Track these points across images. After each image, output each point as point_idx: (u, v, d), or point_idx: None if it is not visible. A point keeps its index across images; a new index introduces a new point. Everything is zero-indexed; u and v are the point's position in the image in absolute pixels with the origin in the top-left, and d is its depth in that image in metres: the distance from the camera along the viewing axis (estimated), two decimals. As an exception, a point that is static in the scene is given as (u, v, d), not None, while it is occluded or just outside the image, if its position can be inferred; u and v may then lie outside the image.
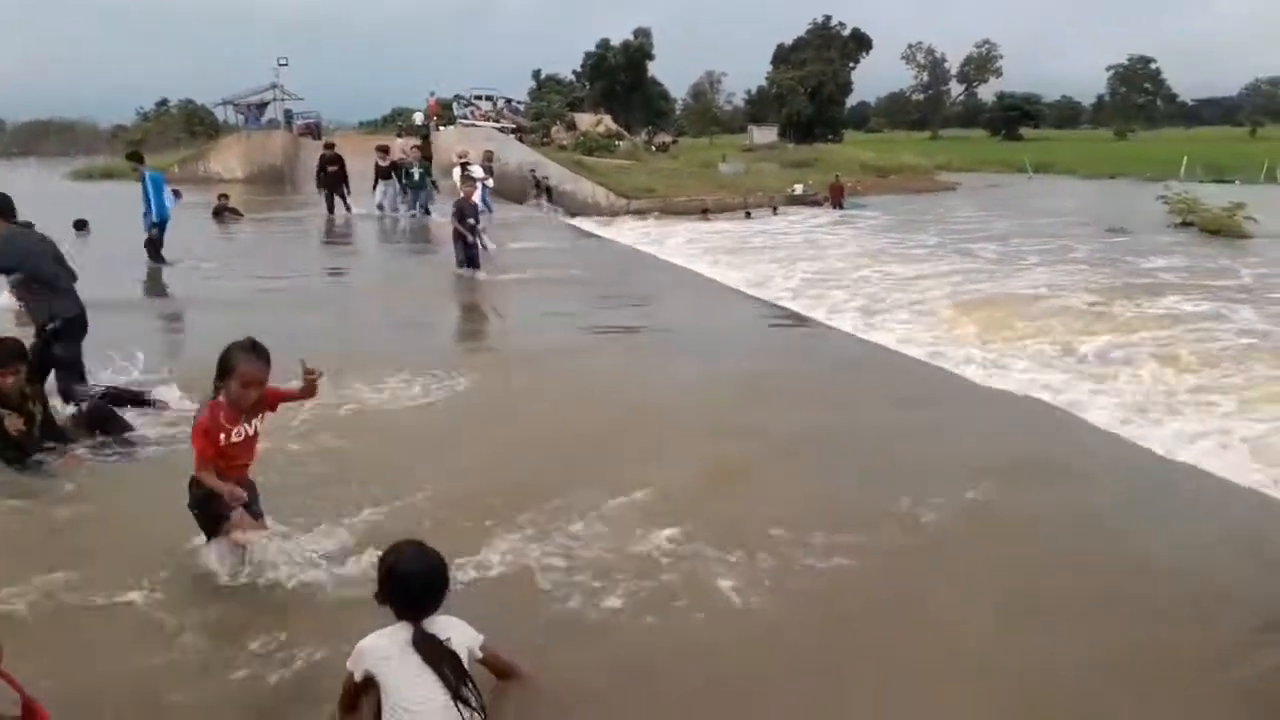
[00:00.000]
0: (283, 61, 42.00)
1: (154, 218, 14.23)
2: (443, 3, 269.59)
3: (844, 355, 9.66)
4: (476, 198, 19.17)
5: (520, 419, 6.87)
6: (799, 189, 34.55)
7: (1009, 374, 9.47)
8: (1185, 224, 24.74)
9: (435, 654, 2.86)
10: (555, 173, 30.55)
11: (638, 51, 76.51)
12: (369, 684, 2.91)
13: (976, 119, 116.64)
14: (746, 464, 5.84)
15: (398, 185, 22.24)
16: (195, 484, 4.09)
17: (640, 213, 29.11)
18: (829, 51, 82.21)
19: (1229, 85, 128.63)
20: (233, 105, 45.17)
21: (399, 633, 2.93)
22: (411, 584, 2.97)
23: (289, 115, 45.18)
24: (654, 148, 46.03)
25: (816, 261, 19.22)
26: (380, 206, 22.05)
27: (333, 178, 21.93)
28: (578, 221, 26.11)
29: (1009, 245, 21.25)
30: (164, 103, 73.28)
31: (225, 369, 3.98)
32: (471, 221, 14.15)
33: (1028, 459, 6.06)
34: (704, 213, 29.33)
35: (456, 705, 2.79)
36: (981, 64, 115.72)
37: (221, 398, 4.01)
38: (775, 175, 39.53)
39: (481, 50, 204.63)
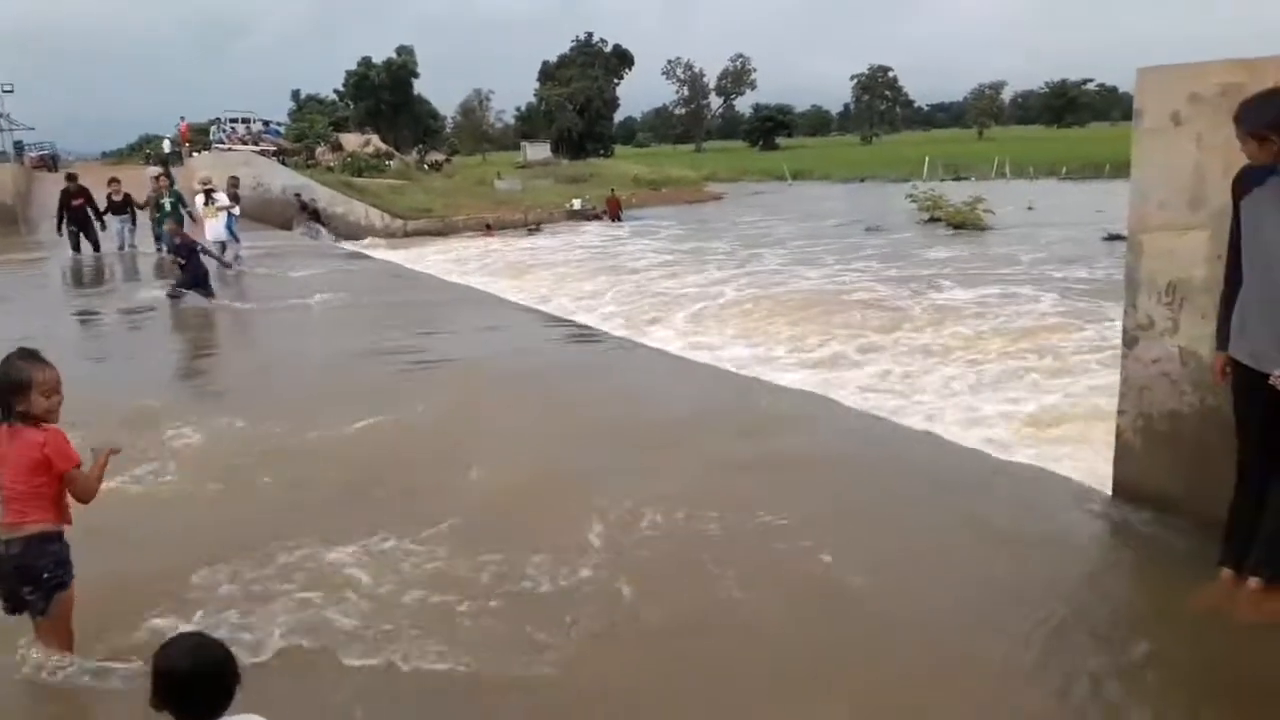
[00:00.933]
0: (7, 88, 38.40)
1: None
2: (192, 24, 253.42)
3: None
4: (221, 226, 18.51)
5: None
6: (577, 204, 35.14)
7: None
8: (933, 219, 27.14)
9: None
10: (324, 195, 29.51)
11: (401, 69, 75.22)
12: None
13: (736, 130, 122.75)
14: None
15: (133, 221, 20.65)
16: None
17: (418, 233, 28.65)
18: (593, 69, 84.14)
19: (957, 91, 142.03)
20: (-57, 136, 40.68)
21: None
22: (190, 681, 2.55)
23: (19, 146, 41.36)
24: (427, 166, 45.37)
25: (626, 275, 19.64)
26: (120, 245, 20.31)
27: (77, 213, 20.08)
28: (351, 245, 25.33)
29: (795, 247, 22.71)
30: None
31: (17, 386, 3.37)
32: (181, 249, 13.62)
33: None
34: (487, 228, 29.28)
35: None
36: (737, 77, 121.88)
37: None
38: (552, 190, 40.04)
39: (236, 72, 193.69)
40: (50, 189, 24.12)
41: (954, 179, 45.53)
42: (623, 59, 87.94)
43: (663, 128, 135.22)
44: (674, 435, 6.45)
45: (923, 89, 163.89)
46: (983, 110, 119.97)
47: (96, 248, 20.14)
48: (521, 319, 12.89)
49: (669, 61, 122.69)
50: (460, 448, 6.26)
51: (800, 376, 9.42)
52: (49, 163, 41.77)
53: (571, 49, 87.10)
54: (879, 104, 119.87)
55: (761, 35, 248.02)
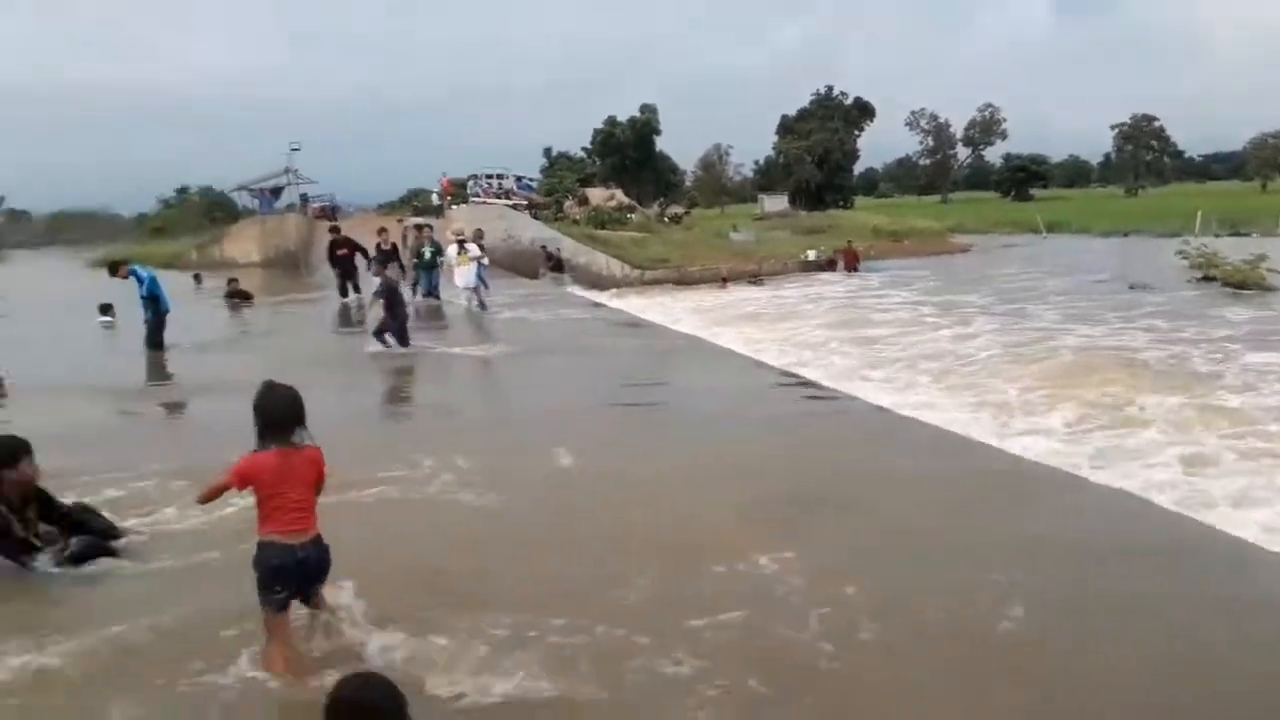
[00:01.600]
0: (296, 147, 42.75)
1: (161, 307, 14.41)
2: (455, 87, 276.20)
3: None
4: (472, 273, 19.61)
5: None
6: (812, 255, 34.50)
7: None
8: (1206, 278, 24.38)
9: None
10: (569, 246, 30.68)
11: (645, 126, 77.75)
12: None
13: (984, 181, 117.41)
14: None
15: (400, 268, 21.70)
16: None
17: (655, 283, 29.09)
18: (833, 121, 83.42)
19: (1233, 139, 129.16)
20: (248, 190, 45.83)
21: None
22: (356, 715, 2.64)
23: (304, 198, 45.82)
24: (667, 219, 46.32)
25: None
26: None
27: (343, 261, 21.47)
28: (591, 294, 26.09)
29: (1065, 305, 20.52)
30: (184, 189, 74.66)
31: (302, 411, 4.19)
32: (385, 291, 14.19)
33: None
34: (723, 281, 29.30)
35: None
36: (986, 127, 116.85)
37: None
38: (788, 242, 39.61)
39: (494, 130, 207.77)
40: (329, 237, 26.57)
41: (1231, 234, 40.94)
42: (864, 111, 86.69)
43: (905, 178, 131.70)
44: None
45: (1193, 138, 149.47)
46: (1265, 160, 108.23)
47: (358, 291, 21.12)
48: (757, 374, 12.59)
49: (912, 112, 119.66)
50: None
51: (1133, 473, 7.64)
52: (329, 213, 45.94)
53: (811, 102, 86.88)
54: (1144, 154, 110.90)
55: (1011, 84, 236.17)
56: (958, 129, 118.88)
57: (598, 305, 22.27)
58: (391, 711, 2.62)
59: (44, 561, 5.43)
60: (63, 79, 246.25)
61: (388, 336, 13.74)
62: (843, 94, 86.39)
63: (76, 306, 19.84)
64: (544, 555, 5.60)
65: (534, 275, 29.09)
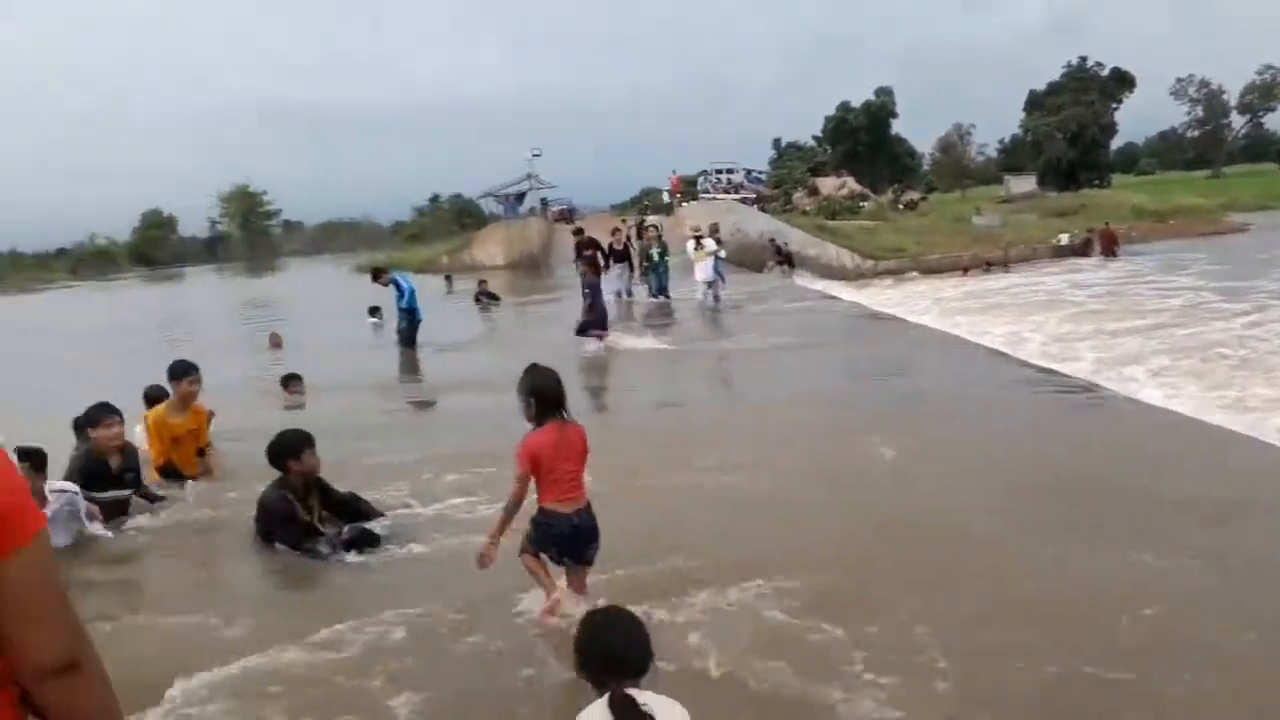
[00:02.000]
0: (536, 153, 44.81)
1: (416, 318, 15.44)
2: (683, 88, 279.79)
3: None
4: (710, 267, 19.72)
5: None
6: (1065, 239, 32.02)
7: None
8: None
9: (630, 716, 2.59)
10: (798, 238, 30.16)
11: (880, 110, 75.20)
12: None
13: (1265, 152, 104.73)
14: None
15: (630, 268, 22.01)
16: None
17: (888, 274, 28.03)
18: (1087, 94, 77.19)
19: None
20: (493, 197, 48.49)
21: (598, 708, 2.68)
22: (609, 650, 2.80)
23: (544, 203, 47.92)
24: (901, 205, 44.59)
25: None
26: (618, 292, 21.47)
27: (589, 261, 21.52)
28: (822, 285, 25.49)
29: None
30: (436, 198, 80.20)
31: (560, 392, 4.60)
32: (588, 290, 14.83)
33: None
34: (964, 270, 27.78)
35: None
36: (1266, 91, 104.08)
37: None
38: (1036, 226, 36.99)
39: (721, 126, 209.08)
40: (567, 239, 27.57)
41: None
42: (1122, 81, 79.46)
43: (1169, 153, 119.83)
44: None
45: None
46: None
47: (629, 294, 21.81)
48: (1017, 370, 11.75)
49: (1178, 80, 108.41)
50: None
51: None
52: (567, 216, 47.83)
53: (1063, 75, 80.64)
54: None
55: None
56: (1232, 95, 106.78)
57: (831, 298, 21.70)
58: (639, 627, 2.87)
59: (322, 544, 5.85)
60: (320, 98, 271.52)
61: (592, 332, 14.05)
62: (1098, 64, 79.72)
63: (348, 308, 21.81)
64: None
65: (760, 269, 28.83)
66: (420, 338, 15.64)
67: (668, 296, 21.04)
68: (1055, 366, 11.61)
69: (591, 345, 14.02)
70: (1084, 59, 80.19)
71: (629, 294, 21.74)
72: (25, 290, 55.17)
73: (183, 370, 7.38)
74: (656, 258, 21.37)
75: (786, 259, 28.94)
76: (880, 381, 11.44)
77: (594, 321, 14.37)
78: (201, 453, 7.59)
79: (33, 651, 1.42)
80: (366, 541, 5.91)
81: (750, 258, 30.24)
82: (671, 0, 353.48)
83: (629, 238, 22.93)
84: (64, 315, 34.24)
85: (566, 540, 4.50)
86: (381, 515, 6.35)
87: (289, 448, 5.88)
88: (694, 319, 18.36)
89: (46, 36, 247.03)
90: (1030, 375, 11.15)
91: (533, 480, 4.46)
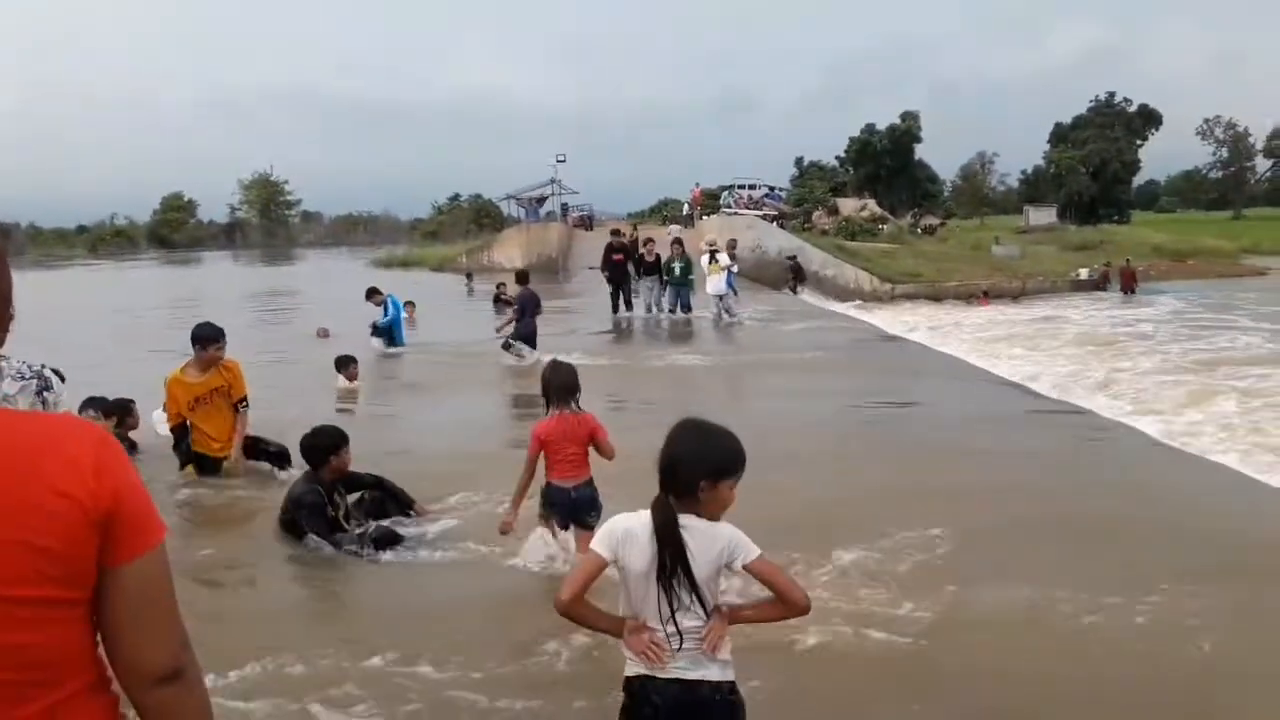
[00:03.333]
0: (560, 158, 44.78)
1: (396, 340, 15.30)
2: (706, 100, 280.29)
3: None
4: (722, 282, 19.50)
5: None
6: (1084, 273, 31.96)
7: None
8: None
9: (666, 532, 2.65)
10: (816, 258, 30.11)
11: (905, 135, 75.07)
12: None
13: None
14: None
15: (661, 282, 20.56)
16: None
17: (905, 298, 27.98)
18: (1113, 130, 77.06)
19: None
20: (515, 199, 48.54)
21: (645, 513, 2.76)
22: (673, 460, 2.73)
23: (565, 208, 47.96)
24: (920, 230, 44.54)
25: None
26: (648, 307, 20.73)
27: (617, 268, 20.71)
28: (838, 306, 25.45)
29: None
30: (456, 197, 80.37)
31: (577, 385, 5.29)
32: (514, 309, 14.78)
33: None
34: (984, 295, 27.72)
35: (659, 584, 2.66)
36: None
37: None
38: (1055, 258, 36.92)
39: (744, 141, 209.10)
40: (585, 245, 27.59)
41: None
42: (1149, 119, 79.29)
43: (1191, 192, 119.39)
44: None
45: None
46: None
47: (629, 306, 20.80)
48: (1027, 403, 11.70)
49: (1205, 120, 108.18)
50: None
51: None
52: (586, 222, 47.88)
53: (1089, 109, 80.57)
54: None
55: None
56: (1258, 139, 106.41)
57: (847, 317, 21.63)
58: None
59: (347, 540, 5.90)
60: (345, 92, 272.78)
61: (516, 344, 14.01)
62: (1126, 100, 79.61)
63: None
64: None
65: (779, 287, 28.72)
66: (444, 338, 15.47)
67: (688, 310, 20.12)
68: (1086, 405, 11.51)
69: (512, 360, 13.82)
70: (1111, 94, 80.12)
71: (659, 307, 20.61)
72: (43, 265, 54.90)
73: (211, 336, 7.31)
74: (679, 272, 20.10)
75: (796, 274, 28.66)
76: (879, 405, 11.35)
77: (521, 333, 14.25)
78: (238, 408, 7.42)
79: (144, 660, 1.40)
80: (391, 541, 5.98)
81: (769, 275, 30.21)
82: (701, 14, 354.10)
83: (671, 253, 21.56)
84: (117, 295, 33.02)
85: (566, 508, 5.32)
86: (411, 501, 6.53)
87: (330, 442, 6.01)
88: (709, 333, 18.39)
89: (77, 13, 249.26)
90: (1050, 409, 11.09)
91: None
